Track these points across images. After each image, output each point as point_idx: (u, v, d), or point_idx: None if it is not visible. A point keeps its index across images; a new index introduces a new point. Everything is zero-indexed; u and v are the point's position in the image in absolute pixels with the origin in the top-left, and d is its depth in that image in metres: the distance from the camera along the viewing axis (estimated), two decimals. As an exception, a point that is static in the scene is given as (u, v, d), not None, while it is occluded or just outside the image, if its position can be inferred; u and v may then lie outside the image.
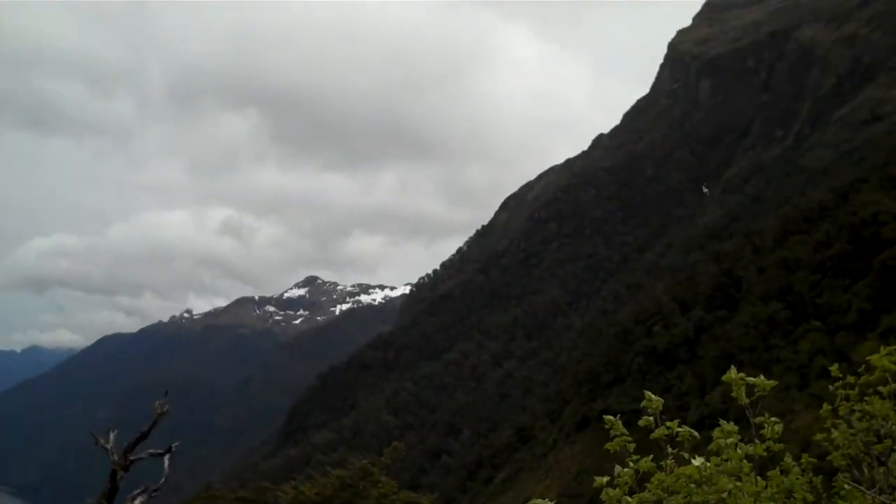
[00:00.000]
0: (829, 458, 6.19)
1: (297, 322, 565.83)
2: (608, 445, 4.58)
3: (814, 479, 5.67)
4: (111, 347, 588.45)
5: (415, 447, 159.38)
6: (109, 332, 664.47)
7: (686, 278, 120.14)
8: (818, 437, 6.43)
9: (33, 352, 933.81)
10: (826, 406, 6.42)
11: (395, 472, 29.17)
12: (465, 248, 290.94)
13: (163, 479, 31.69)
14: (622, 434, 4.60)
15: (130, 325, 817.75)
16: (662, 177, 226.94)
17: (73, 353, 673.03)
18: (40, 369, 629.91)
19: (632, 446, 4.61)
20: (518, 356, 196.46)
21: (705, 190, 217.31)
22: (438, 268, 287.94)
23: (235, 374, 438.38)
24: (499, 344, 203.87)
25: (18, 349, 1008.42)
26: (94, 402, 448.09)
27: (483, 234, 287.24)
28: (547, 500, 4.23)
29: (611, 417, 4.59)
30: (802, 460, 5.67)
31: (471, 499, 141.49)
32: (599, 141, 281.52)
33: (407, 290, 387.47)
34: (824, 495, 5.88)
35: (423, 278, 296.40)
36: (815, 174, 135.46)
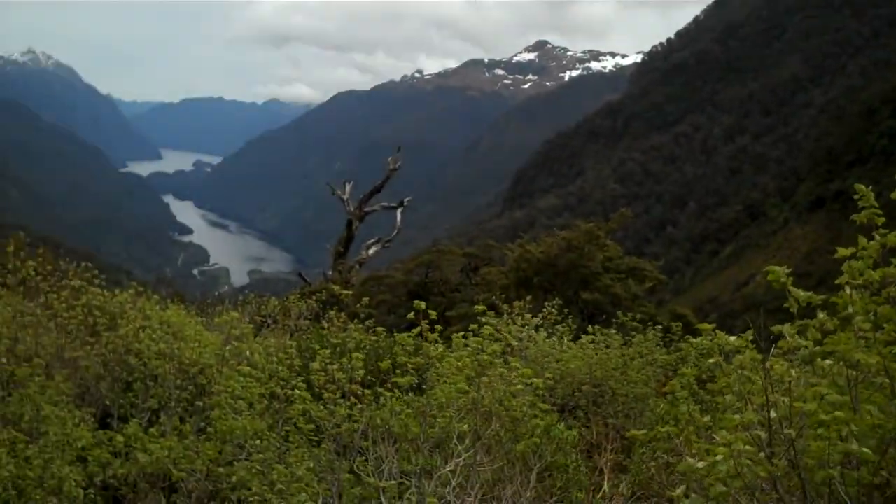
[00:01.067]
0: None
1: (525, 87, 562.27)
2: (855, 216, 4.24)
3: None
4: (346, 104, 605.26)
5: (640, 217, 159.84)
6: (344, 89, 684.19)
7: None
8: None
9: (273, 105, 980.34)
10: None
11: (619, 239, 29.95)
12: (702, 16, 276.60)
13: (395, 232, 34.16)
14: (871, 206, 4.24)
15: (364, 82, 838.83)
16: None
17: (310, 108, 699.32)
18: (280, 122, 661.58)
19: (881, 220, 4.24)
20: (752, 132, 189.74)
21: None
22: (673, 36, 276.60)
23: (464, 136, 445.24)
24: (732, 118, 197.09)
25: (260, 101, 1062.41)
26: (330, 155, 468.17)
27: (722, 2, 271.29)
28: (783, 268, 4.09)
29: (862, 186, 4.28)
30: None
31: (695, 271, 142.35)
32: None
33: (638, 58, 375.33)
34: None
35: (656, 47, 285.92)
36: None
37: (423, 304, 7.42)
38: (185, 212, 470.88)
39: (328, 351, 7.67)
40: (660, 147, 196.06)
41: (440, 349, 7.61)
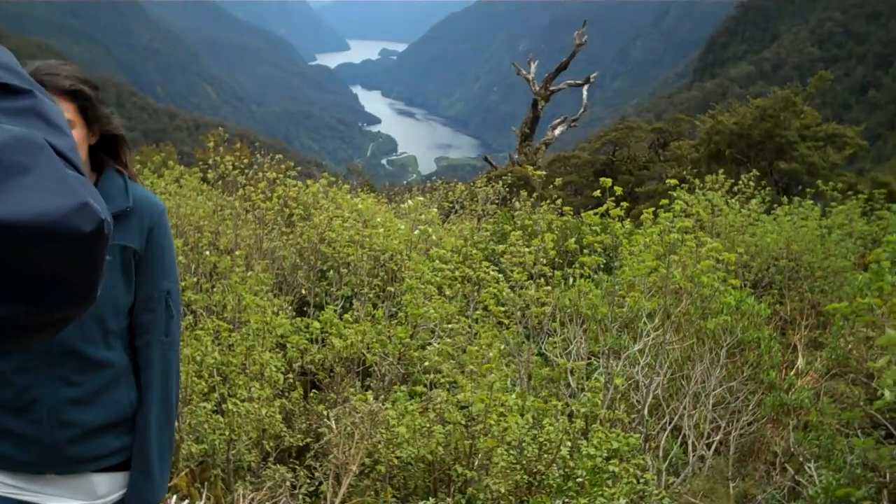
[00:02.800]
0: None
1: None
2: None
3: None
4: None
5: (839, 81, 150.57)
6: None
7: None
8: None
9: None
10: None
11: (817, 106, 28.30)
12: None
13: (581, 110, 33.51)
14: None
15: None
16: None
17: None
18: (464, 4, 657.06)
19: None
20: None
21: None
22: None
23: (651, 5, 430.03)
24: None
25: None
26: (514, 35, 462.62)
27: None
28: None
29: None
30: None
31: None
32: None
33: None
34: None
35: None
36: None
37: (609, 181, 7.27)
38: (372, 101, 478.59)
39: (518, 233, 7.65)
40: (862, 4, 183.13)
41: (627, 226, 7.46)
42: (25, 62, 2.14)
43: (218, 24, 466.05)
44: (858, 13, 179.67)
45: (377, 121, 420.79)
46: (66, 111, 2.41)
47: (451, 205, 15.90)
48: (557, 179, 14.56)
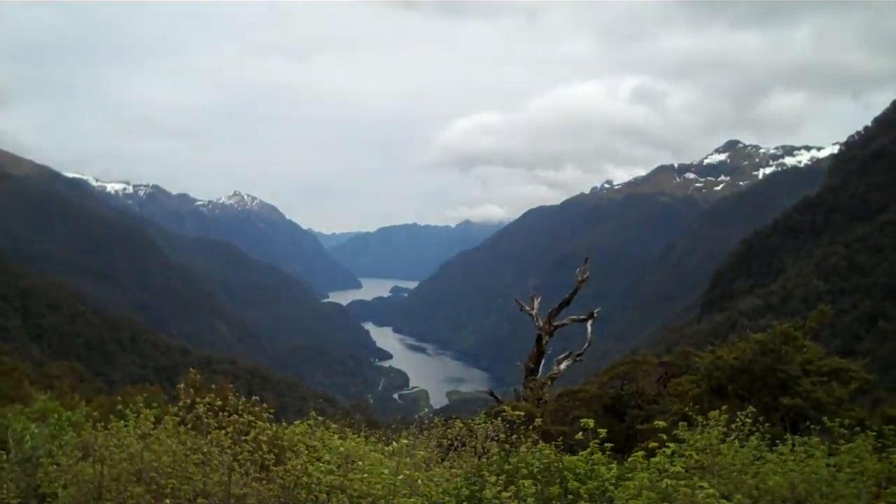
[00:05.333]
0: None
1: (718, 188, 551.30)
2: None
3: None
4: (537, 219, 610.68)
5: (848, 313, 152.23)
6: (534, 205, 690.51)
7: None
8: None
9: (465, 227, 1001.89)
10: None
11: (825, 338, 28.22)
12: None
13: (587, 345, 33.46)
14: None
15: (553, 197, 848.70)
16: None
17: (502, 227, 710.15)
18: (473, 243, 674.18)
19: None
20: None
21: None
22: (870, 123, 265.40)
23: (657, 242, 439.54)
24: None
25: (453, 224, 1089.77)
26: (523, 271, 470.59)
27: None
28: None
29: None
30: None
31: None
32: None
33: (835, 149, 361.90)
34: None
35: (853, 136, 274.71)
36: None
37: (591, 422, 6.92)
38: (384, 337, 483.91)
39: (494, 478, 7.23)
40: (864, 238, 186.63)
41: (614, 471, 7.03)
42: None
43: (233, 264, 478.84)
44: (861, 247, 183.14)
45: (389, 356, 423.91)
46: None
47: (450, 442, 15.55)
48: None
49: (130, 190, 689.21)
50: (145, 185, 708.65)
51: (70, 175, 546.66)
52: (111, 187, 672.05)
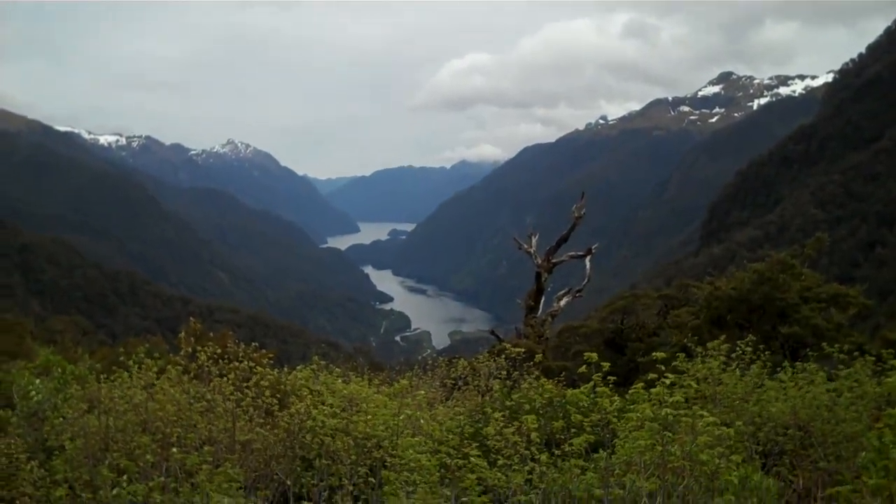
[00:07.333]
0: None
1: (713, 120, 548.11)
2: None
3: None
4: (532, 157, 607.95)
5: (845, 240, 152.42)
6: (529, 143, 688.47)
7: None
8: None
9: (461, 167, 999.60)
10: None
11: (824, 266, 28.30)
12: (894, 26, 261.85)
13: (586, 280, 33.56)
14: None
15: (548, 134, 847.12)
16: None
17: (497, 165, 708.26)
18: (469, 183, 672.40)
19: None
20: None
21: None
22: (864, 51, 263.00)
23: (653, 176, 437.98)
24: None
25: (448, 165, 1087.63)
26: (520, 210, 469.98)
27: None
28: None
29: None
30: None
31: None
32: None
33: (829, 78, 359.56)
34: None
35: (847, 63, 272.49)
36: None
37: (595, 356, 6.94)
38: (384, 280, 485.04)
39: (500, 414, 7.28)
40: (859, 166, 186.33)
41: (616, 403, 7.06)
42: None
43: (229, 213, 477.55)
44: (856, 175, 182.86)
45: (389, 299, 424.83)
46: None
47: (454, 382, 15.62)
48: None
49: (123, 142, 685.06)
50: (138, 137, 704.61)
51: (62, 129, 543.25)
52: (104, 139, 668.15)
